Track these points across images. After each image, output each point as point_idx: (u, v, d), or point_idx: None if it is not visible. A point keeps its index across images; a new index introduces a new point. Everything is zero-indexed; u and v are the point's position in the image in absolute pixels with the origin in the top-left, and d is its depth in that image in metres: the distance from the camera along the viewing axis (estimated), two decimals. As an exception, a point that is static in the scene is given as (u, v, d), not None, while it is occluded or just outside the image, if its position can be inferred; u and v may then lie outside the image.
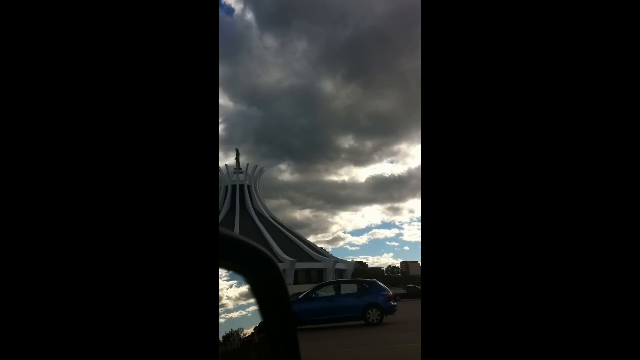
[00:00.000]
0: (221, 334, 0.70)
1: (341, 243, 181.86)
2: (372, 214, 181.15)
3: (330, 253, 66.55)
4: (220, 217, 58.45)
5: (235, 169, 67.03)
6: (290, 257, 52.75)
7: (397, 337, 8.80)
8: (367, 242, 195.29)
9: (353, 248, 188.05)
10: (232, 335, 0.74)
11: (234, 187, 65.35)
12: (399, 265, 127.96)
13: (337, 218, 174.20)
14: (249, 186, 66.02)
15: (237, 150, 69.24)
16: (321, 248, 66.94)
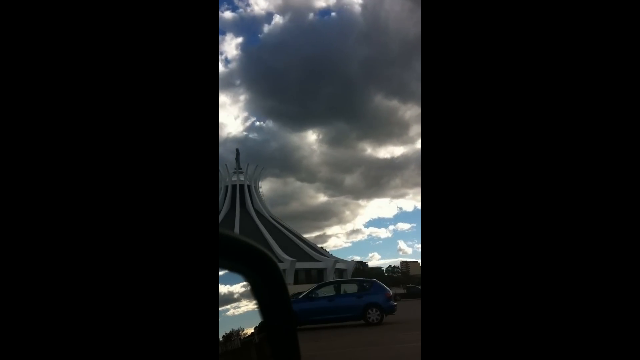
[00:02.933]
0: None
1: (360, 237, 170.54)
2: (409, 200, 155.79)
3: (330, 253, 66.46)
4: (220, 217, 58.46)
5: (235, 168, 67.10)
6: (290, 257, 52.76)
7: (397, 337, 8.80)
8: (391, 235, 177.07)
9: (377, 243, 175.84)
10: (232, 335, 0.74)
11: (234, 187, 65.41)
12: (399, 265, 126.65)
13: (369, 205, 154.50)
14: (249, 186, 66.06)
15: (237, 150, 69.32)
16: (321, 248, 66.93)
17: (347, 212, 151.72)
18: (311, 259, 58.14)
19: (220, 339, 0.70)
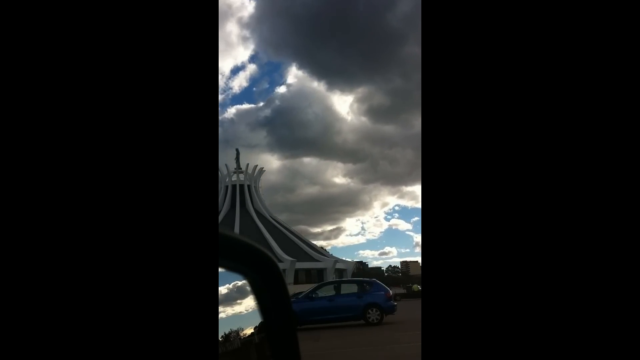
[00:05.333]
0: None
1: (379, 230, 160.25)
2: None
3: (332, 251, 66.36)
4: (220, 217, 58.41)
5: (235, 168, 67.02)
6: (290, 257, 52.72)
7: (397, 337, 8.80)
8: (417, 227, 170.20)
9: (397, 237, 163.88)
10: (232, 335, 0.74)
11: (234, 187, 65.32)
12: (399, 265, 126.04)
13: (404, 191, 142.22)
14: (249, 186, 65.99)
15: (237, 150, 69.23)
16: (321, 248, 66.88)
17: (375, 202, 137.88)
18: (311, 259, 58.06)
19: (220, 339, 0.70)
